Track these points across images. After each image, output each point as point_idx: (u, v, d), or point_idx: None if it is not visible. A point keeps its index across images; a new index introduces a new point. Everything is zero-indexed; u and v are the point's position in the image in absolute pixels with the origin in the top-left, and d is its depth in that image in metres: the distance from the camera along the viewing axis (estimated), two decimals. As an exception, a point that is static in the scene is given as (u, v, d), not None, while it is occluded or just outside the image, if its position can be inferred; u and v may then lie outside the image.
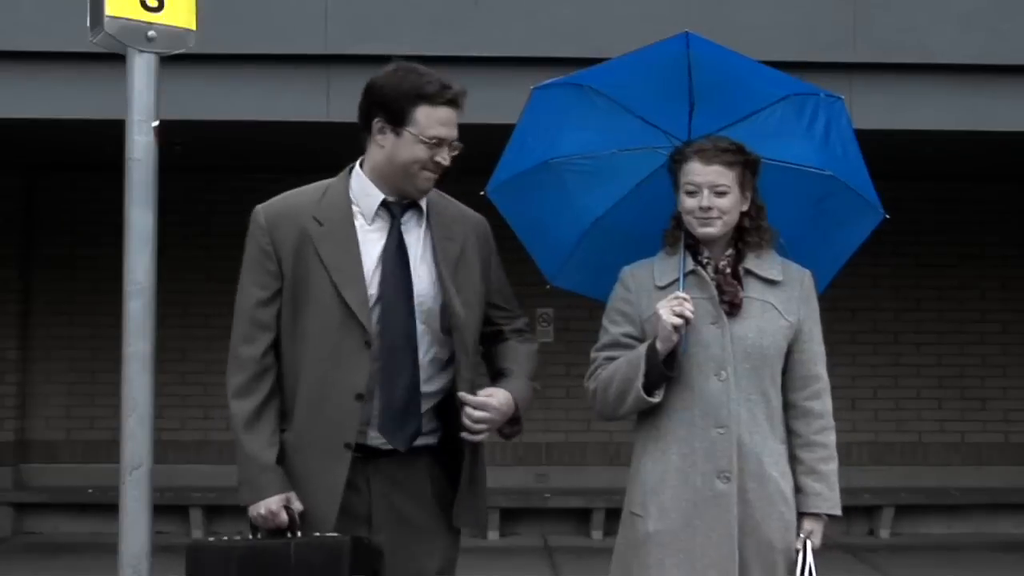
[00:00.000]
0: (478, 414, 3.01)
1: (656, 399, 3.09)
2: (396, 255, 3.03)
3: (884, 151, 7.06)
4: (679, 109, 3.26)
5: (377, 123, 3.02)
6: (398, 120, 2.98)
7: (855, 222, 3.44)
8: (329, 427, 2.99)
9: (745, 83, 3.26)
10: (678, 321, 3.02)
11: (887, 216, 3.39)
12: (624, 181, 3.44)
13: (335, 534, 2.92)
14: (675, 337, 3.04)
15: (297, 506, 2.98)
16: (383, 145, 3.03)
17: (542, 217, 3.49)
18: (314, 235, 3.03)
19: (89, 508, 8.83)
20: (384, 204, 3.07)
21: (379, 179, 3.07)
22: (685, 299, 3.05)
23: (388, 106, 2.99)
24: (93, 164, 8.17)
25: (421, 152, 2.98)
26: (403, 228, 3.07)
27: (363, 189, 3.08)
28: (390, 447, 3.03)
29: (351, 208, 3.07)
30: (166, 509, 7.91)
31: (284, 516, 2.96)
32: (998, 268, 9.67)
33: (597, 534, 8.85)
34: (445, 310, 3.05)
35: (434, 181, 3.06)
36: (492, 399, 3.05)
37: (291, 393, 3.04)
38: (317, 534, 2.93)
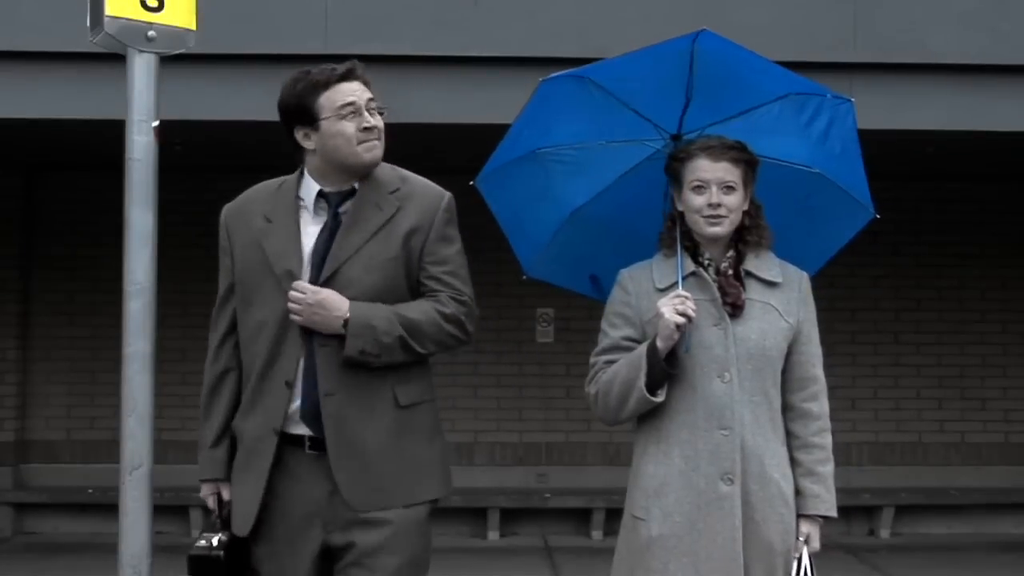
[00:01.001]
0: (294, 293, 2.98)
1: (659, 399, 3.07)
2: (328, 243, 3.06)
3: (884, 151, 7.07)
4: (674, 104, 3.25)
5: (298, 132, 3.11)
6: (310, 118, 3.07)
7: (842, 219, 3.45)
8: (264, 414, 3.05)
9: (747, 80, 3.25)
10: (681, 320, 3.01)
11: (878, 216, 3.40)
12: (607, 173, 3.44)
13: (205, 546, 3.08)
14: (676, 336, 3.03)
15: (225, 496, 3.12)
16: (313, 147, 3.10)
17: (523, 206, 3.47)
18: (261, 231, 3.11)
19: (89, 508, 8.83)
20: (321, 195, 3.11)
21: (320, 175, 3.13)
22: (687, 298, 3.04)
23: (297, 113, 3.09)
24: (93, 164, 8.17)
25: (346, 127, 3.04)
26: (344, 217, 3.09)
27: (307, 185, 3.14)
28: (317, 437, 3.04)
29: (298, 203, 3.13)
30: (166, 509, 7.90)
31: (211, 503, 3.14)
32: (998, 268, 9.67)
33: (597, 534, 8.84)
34: (335, 276, 3.03)
35: (380, 148, 3.07)
36: (310, 286, 2.99)
37: (245, 383, 3.13)
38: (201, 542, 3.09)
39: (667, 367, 3.05)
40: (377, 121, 3.07)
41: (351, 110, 3.03)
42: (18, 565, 8.07)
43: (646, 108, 3.30)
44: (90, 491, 8.87)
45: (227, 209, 3.24)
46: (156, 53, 3.15)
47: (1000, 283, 9.70)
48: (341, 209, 3.10)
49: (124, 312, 3.11)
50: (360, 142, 3.05)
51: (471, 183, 3.32)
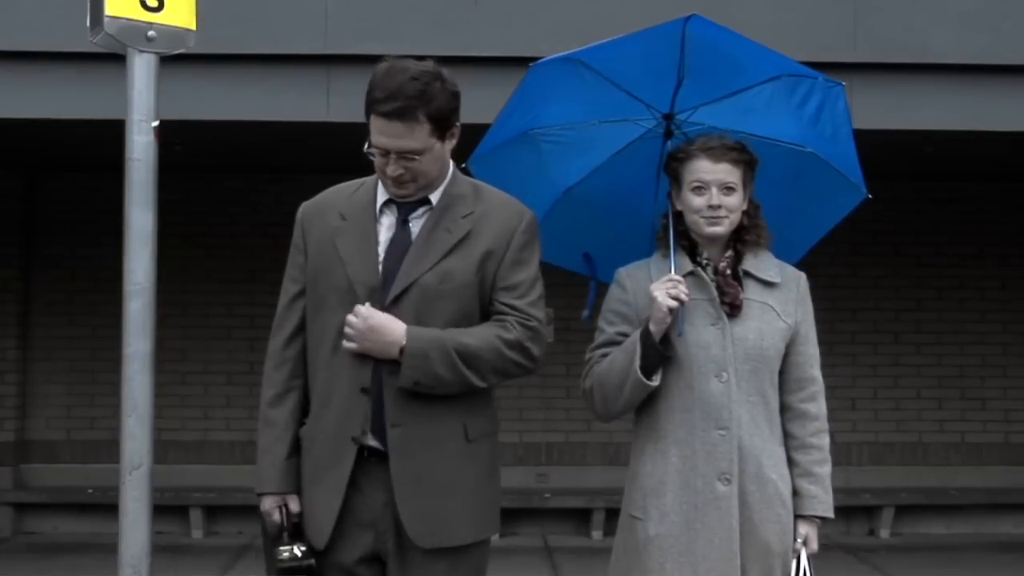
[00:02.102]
0: (350, 318, 2.88)
1: (654, 383, 3.06)
2: (398, 250, 2.98)
3: (884, 151, 7.08)
4: (666, 84, 3.24)
5: None
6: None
7: (834, 198, 3.46)
8: (337, 421, 2.95)
9: (739, 61, 3.24)
10: (673, 304, 3.01)
11: (870, 196, 3.40)
12: (600, 152, 3.43)
13: (291, 556, 2.95)
14: (668, 319, 3.03)
15: (293, 508, 2.99)
16: None
17: (516, 187, 3.42)
18: (336, 230, 3.02)
19: (89, 508, 8.83)
20: (390, 201, 3.03)
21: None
22: (680, 281, 3.04)
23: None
24: (93, 164, 8.17)
25: (377, 160, 2.94)
26: (413, 224, 3.01)
27: (381, 188, 3.05)
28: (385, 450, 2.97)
29: (375, 204, 3.04)
30: (166, 509, 7.89)
31: (277, 517, 2.99)
32: (998, 268, 9.68)
33: (597, 534, 8.85)
34: (406, 293, 2.95)
35: (408, 188, 2.94)
36: (366, 310, 2.87)
37: (311, 387, 3.04)
38: (284, 554, 2.96)
39: (662, 349, 3.05)
40: (408, 169, 2.89)
41: (380, 151, 2.91)
42: (18, 565, 8.07)
43: (637, 88, 3.29)
44: (90, 491, 8.87)
45: (305, 207, 3.13)
46: (156, 53, 3.14)
47: (1000, 283, 9.70)
48: (411, 217, 3.01)
49: (124, 312, 3.11)
50: (385, 176, 2.95)
51: (463, 165, 3.29)
